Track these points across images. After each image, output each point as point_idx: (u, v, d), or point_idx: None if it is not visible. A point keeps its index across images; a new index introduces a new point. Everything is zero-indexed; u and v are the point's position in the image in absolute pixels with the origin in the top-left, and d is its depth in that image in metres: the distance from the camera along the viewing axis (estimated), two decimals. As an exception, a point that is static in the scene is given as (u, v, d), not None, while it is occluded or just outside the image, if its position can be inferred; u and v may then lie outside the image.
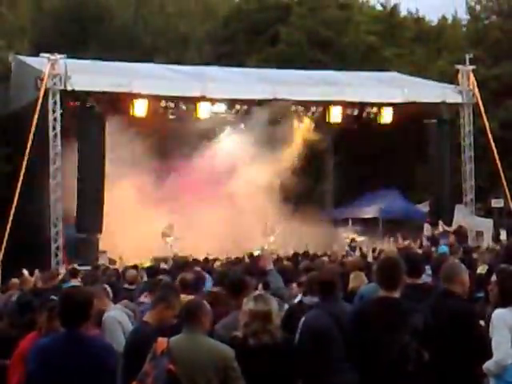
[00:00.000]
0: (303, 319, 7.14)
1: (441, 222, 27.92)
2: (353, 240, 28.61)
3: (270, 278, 9.35)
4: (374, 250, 19.02)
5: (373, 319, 5.85)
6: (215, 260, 19.61)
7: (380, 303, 5.98)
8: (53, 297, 8.31)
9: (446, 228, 27.46)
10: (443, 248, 15.63)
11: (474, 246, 20.87)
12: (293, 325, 7.16)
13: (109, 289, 8.99)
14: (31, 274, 15.10)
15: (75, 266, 18.82)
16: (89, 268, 20.17)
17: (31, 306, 8.26)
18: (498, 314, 6.19)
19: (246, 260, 17.95)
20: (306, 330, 7.02)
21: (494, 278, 6.69)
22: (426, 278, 9.05)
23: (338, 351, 6.60)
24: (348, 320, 6.22)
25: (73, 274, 14.70)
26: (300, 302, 8.28)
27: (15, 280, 14.33)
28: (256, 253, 17.29)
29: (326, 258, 16.34)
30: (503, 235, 27.26)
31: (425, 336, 5.66)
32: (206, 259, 19.50)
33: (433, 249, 20.03)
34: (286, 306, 8.57)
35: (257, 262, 10.82)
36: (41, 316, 7.34)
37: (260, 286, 9.13)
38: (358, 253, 19.48)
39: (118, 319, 7.92)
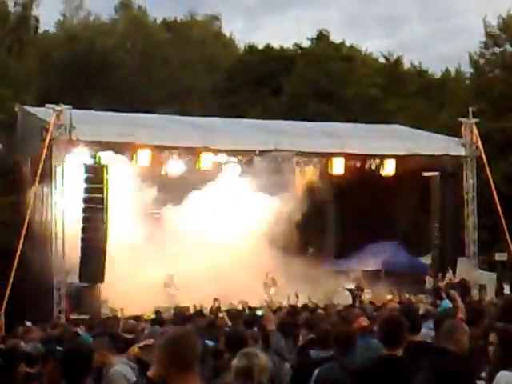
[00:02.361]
0: (317, 371, 7.15)
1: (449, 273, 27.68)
2: (358, 288, 28.40)
3: (271, 338, 9.40)
4: (374, 304, 18.97)
5: (375, 378, 5.86)
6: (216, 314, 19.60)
7: (383, 362, 6.00)
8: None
9: (453, 278, 27.28)
10: (446, 303, 15.54)
11: (477, 299, 20.78)
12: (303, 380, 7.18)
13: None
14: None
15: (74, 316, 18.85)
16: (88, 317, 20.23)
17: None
18: (504, 376, 5.89)
19: (246, 311, 17.93)
20: (321, 382, 7.04)
21: (493, 337, 6.56)
22: (430, 332, 9.02)
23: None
24: (351, 379, 6.22)
25: (75, 324, 14.77)
26: (307, 355, 8.27)
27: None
28: (259, 313, 17.30)
29: (321, 311, 16.27)
30: (507, 289, 27.14)
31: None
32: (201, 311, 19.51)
33: (437, 301, 19.92)
34: (286, 365, 8.58)
35: (260, 322, 10.89)
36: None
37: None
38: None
39: (123, 373, 7.92)
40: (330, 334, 8.04)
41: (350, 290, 28.20)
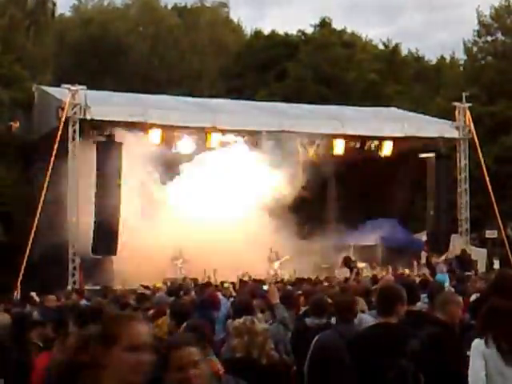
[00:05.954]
0: (316, 338, 7.15)
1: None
2: (348, 259, 28.37)
3: (276, 310, 9.47)
4: (373, 277, 18.98)
5: (371, 344, 5.85)
6: (222, 283, 19.60)
7: (377, 329, 6.00)
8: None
9: (449, 255, 27.25)
10: (440, 277, 15.59)
11: (468, 274, 20.80)
12: (300, 345, 7.17)
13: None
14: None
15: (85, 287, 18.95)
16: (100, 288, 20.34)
17: None
18: (475, 343, 5.87)
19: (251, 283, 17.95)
20: (318, 349, 7.03)
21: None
22: (423, 305, 9.03)
23: (346, 373, 6.55)
24: (348, 345, 6.21)
25: (80, 293, 14.85)
26: (303, 323, 8.29)
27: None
28: (264, 287, 17.37)
29: (326, 283, 16.32)
30: (496, 264, 27.20)
31: (422, 360, 5.64)
32: (209, 283, 19.47)
33: (430, 275, 19.93)
34: (290, 333, 8.63)
35: (264, 295, 10.99)
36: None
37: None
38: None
39: None
40: (323, 303, 8.07)
41: (348, 266, 28.04)
